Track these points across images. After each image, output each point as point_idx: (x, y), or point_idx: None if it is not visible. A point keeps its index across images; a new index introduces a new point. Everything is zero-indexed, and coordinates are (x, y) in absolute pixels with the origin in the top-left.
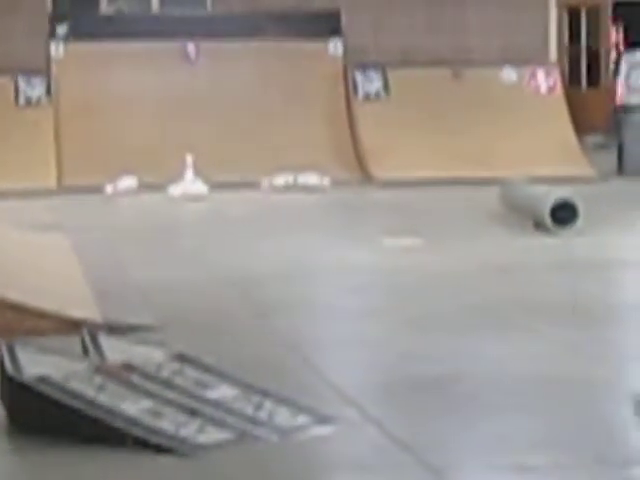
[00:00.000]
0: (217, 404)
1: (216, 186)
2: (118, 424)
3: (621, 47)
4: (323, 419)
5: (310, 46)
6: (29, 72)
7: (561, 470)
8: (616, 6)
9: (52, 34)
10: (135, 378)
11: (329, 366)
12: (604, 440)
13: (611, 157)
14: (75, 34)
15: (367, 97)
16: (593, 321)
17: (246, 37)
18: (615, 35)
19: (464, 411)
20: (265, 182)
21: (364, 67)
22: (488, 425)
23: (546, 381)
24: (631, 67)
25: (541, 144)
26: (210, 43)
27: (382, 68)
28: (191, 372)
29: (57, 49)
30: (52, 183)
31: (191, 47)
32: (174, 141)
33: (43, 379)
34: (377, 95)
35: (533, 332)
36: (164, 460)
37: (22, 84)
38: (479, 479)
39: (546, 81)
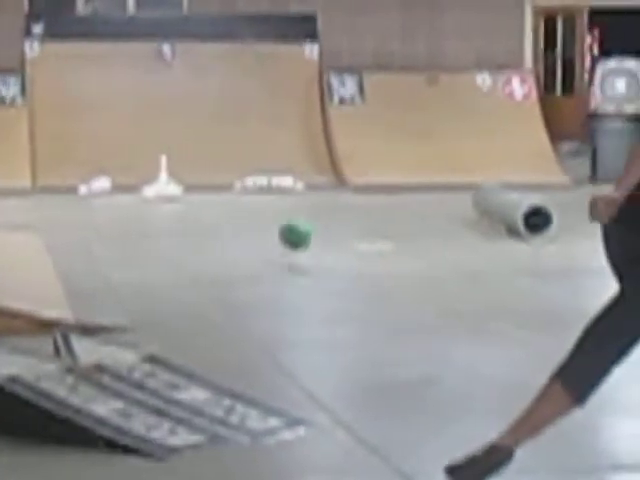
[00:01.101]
0: (188, 406)
1: (190, 188)
2: (89, 425)
3: (596, 55)
4: (294, 422)
5: (286, 49)
6: (4, 71)
7: (530, 475)
8: (592, 14)
9: (27, 33)
10: (107, 379)
11: (301, 369)
12: (574, 446)
13: (585, 164)
14: (51, 34)
15: (342, 101)
16: (564, 328)
17: (222, 39)
18: (590, 42)
19: (435, 415)
20: (238, 184)
21: (339, 71)
22: (459, 430)
23: (517, 386)
24: (606, 75)
25: (515, 150)
26: (186, 45)
27: (357, 72)
28: (163, 374)
29: (32, 48)
30: (26, 183)
31: (167, 48)
32: (148, 142)
33: (14, 379)
34: (352, 99)
35: (504, 338)
36: (134, 461)
37: None
38: None
39: (521, 87)
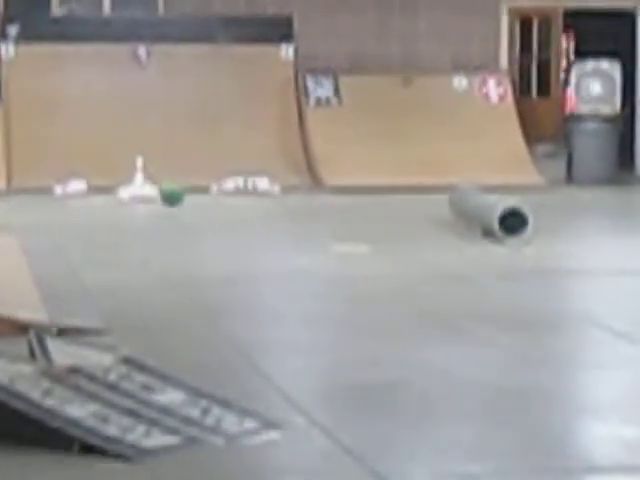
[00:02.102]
0: (164, 408)
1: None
2: (64, 428)
3: (571, 56)
4: (270, 424)
5: (262, 51)
6: None
7: (506, 477)
8: (567, 16)
9: (2, 35)
10: (82, 381)
11: (277, 371)
12: (548, 449)
13: (560, 166)
14: (26, 35)
15: (318, 103)
16: (540, 330)
17: (198, 41)
18: (565, 44)
19: (411, 418)
20: (215, 186)
21: (315, 73)
22: (434, 432)
23: (493, 389)
24: (581, 76)
25: (491, 152)
26: (161, 46)
27: (333, 74)
28: (138, 376)
29: (7, 50)
30: (1, 184)
31: (142, 50)
32: (124, 144)
33: None
34: (328, 101)
35: (481, 340)
36: (110, 464)
37: None
38: None
39: (497, 89)
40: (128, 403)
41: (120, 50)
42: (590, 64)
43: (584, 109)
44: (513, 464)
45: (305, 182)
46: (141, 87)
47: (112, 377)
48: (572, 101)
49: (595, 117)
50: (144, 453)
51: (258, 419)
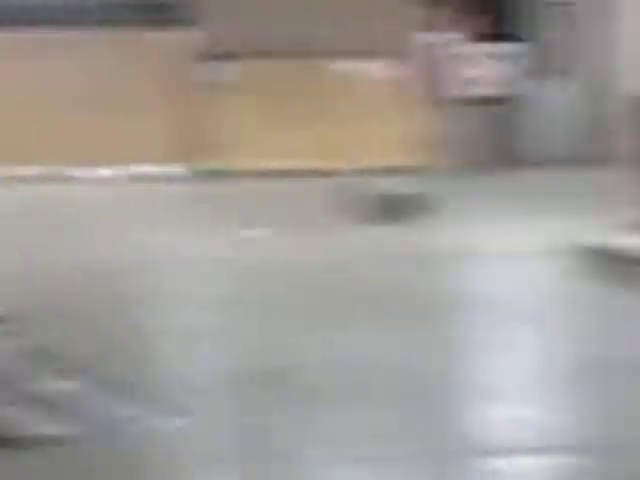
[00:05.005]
0: (63, 395)
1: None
2: None
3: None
4: (169, 410)
5: (160, 35)
6: None
7: (404, 460)
8: None
9: None
10: None
11: (177, 357)
12: (446, 431)
13: (454, 149)
14: None
15: (218, 87)
16: (438, 313)
17: (95, 26)
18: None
19: (307, 403)
20: (112, 173)
21: (216, 57)
22: (331, 417)
23: (390, 372)
24: (469, 58)
25: (393, 135)
26: (59, 32)
27: (234, 58)
28: (38, 363)
29: None
30: None
31: (41, 36)
32: (19, 131)
33: None
34: (228, 85)
35: (377, 324)
36: (3, 454)
37: None
38: (320, 470)
39: (398, 72)
40: (28, 391)
41: (20, 37)
42: (483, 47)
43: (464, 92)
44: (407, 447)
45: (206, 168)
46: (36, 73)
47: (14, 365)
48: (453, 84)
49: (474, 100)
50: (42, 442)
51: (158, 406)
